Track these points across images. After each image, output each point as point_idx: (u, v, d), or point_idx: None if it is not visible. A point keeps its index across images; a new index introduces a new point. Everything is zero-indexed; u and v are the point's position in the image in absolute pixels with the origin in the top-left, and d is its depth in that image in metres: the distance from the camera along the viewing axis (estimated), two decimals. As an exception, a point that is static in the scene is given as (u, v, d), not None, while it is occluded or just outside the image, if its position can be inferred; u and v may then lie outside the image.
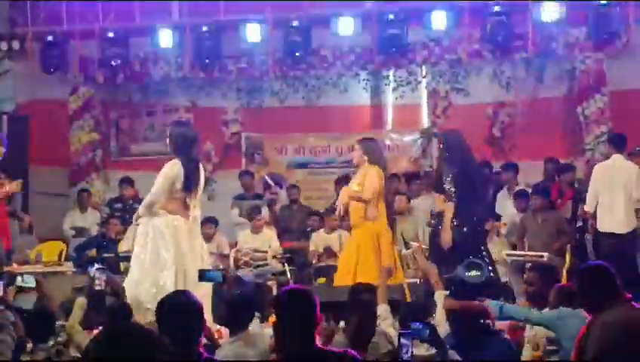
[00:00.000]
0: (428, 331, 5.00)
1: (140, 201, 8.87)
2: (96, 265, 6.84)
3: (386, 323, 6.05)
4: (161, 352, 3.14)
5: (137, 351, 3.07)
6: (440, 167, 9.44)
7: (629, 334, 5.13)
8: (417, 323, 5.04)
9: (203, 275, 6.75)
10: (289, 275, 10.12)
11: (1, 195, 9.45)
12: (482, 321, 5.89)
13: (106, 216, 12.44)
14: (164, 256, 7.74)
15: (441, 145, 9.45)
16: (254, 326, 6.31)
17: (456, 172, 8.91)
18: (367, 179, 8.74)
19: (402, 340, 4.69)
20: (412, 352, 4.66)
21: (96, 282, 6.64)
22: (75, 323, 6.47)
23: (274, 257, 10.96)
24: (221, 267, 10.50)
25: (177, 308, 4.28)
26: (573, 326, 5.69)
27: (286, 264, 10.45)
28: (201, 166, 8.24)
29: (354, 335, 5.49)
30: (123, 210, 12.35)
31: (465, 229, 8.86)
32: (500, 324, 6.43)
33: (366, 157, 8.84)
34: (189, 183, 7.90)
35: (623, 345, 5.09)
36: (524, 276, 7.85)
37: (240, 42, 13.02)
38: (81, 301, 6.60)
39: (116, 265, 10.01)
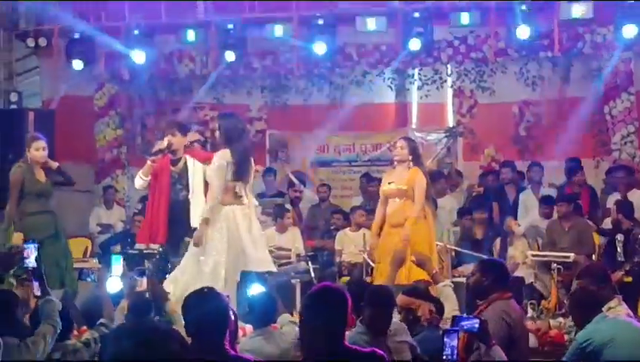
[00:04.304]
0: (478, 325, 4.87)
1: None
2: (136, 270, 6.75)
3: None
4: (176, 350, 3.12)
5: (151, 349, 3.05)
6: None
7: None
8: (466, 317, 4.96)
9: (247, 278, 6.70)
10: (313, 274, 10.12)
11: None
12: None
13: (133, 213, 12.46)
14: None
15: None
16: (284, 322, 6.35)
17: None
18: (418, 182, 8.79)
19: (445, 339, 4.58)
20: (457, 354, 4.56)
21: (138, 284, 6.51)
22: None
23: (298, 256, 10.93)
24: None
25: (204, 307, 4.24)
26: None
27: (310, 262, 10.44)
28: (251, 157, 8.25)
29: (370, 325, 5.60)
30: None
31: None
32: None
33: (411, 157, 8.90)
34: (240, 172, 7.93)
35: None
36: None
37: (265, 40, 13.02)
38: (123, 305, 6.42)
39: (140, 262, 10.00)
